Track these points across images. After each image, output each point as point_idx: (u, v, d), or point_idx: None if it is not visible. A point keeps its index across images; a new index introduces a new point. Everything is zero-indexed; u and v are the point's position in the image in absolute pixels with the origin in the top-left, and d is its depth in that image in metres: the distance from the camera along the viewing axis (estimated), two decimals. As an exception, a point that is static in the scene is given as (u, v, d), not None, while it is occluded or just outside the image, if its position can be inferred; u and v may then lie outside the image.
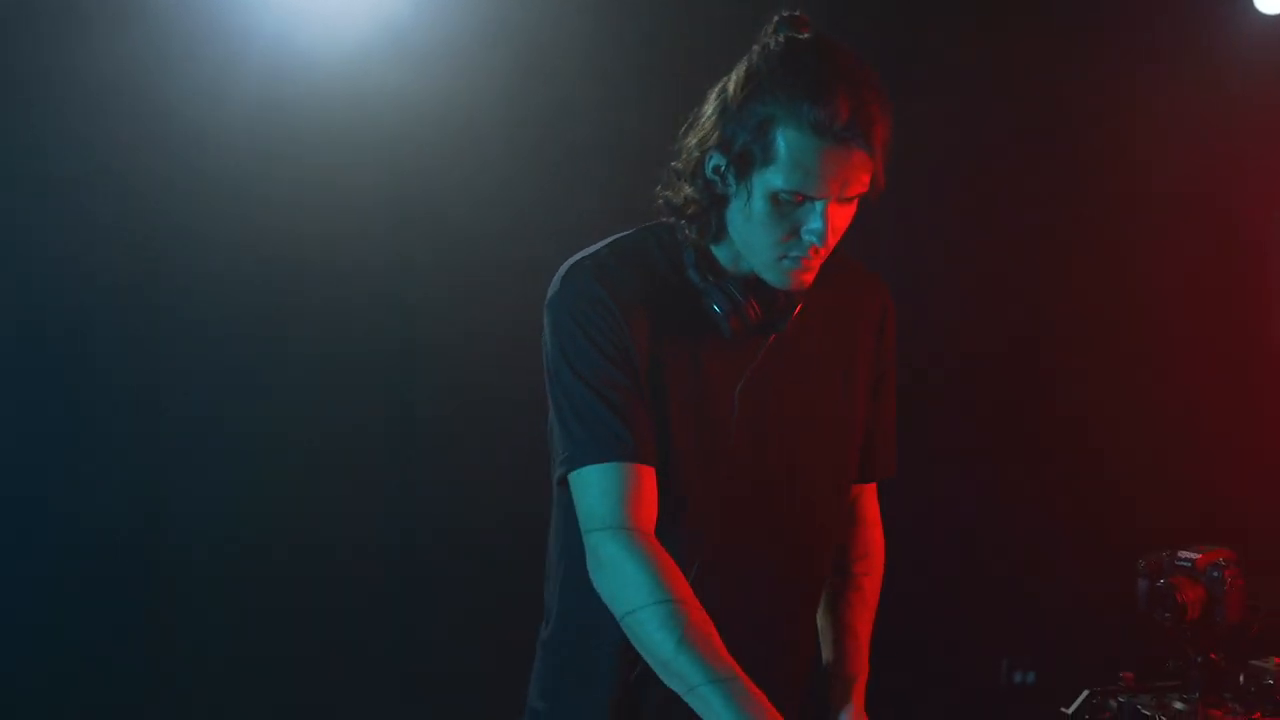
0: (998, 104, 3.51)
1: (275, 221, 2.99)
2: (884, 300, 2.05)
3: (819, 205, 1.76)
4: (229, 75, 2.95)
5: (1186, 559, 2.24)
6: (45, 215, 2.87)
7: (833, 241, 1.80)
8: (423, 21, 3.07)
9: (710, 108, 1.81)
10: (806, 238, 1.77)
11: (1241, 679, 2.21)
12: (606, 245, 1.90)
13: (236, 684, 3.03)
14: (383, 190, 3.10)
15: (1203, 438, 3.55)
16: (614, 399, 1.79)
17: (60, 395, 2.91)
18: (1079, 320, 3.61)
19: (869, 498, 2.12)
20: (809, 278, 1.84)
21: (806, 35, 1.78)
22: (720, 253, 1.88)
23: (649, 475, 1.80)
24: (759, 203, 1.77)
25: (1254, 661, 2.21)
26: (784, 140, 1.72)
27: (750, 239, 1.81)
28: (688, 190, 1.84)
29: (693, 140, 1.83)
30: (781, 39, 1.77)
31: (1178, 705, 2.20)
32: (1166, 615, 2.21)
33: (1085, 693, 2.26)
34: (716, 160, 1.79)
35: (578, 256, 1.89)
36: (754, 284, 1.86)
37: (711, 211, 1.84)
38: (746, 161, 1.76)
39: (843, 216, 1.80)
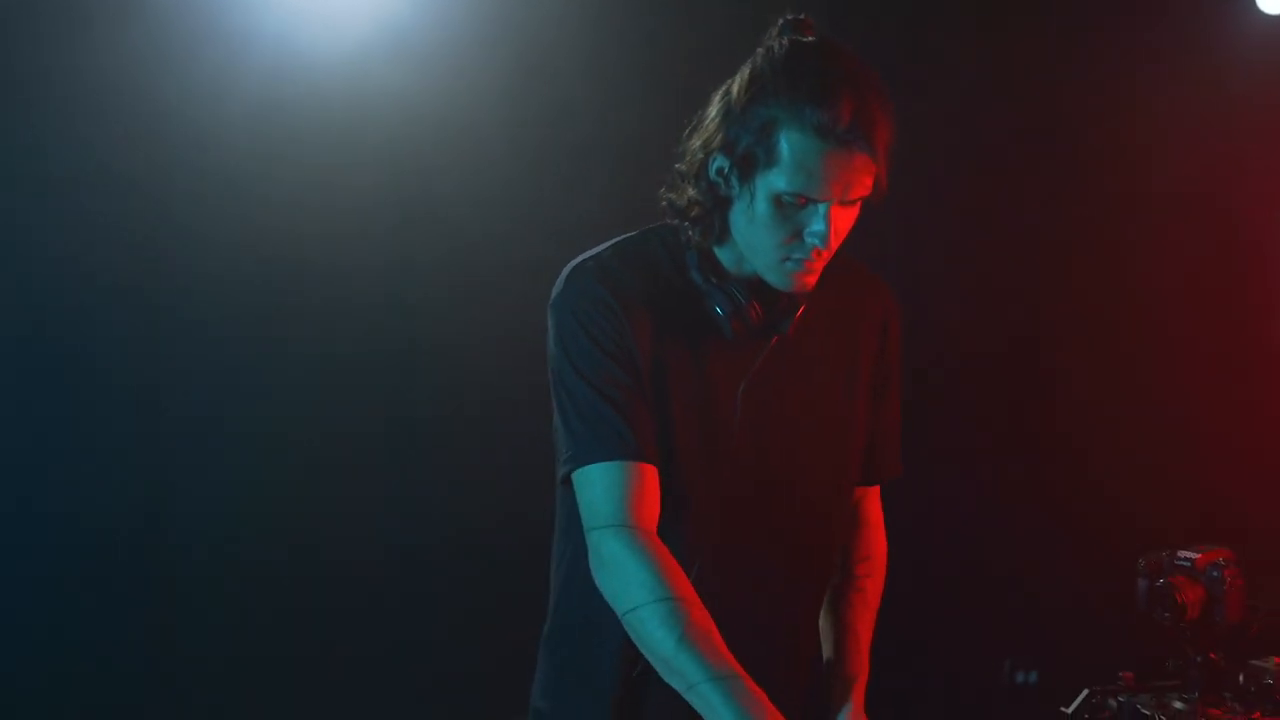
0: (998, 104, 3.50)
1: (275, 221, 2.99)
2: (887, 303, 2.05)
3: (822, 208, 1.76)
4: (229, 75, 2.94)
5: (1186, 559, 2.24)
6: (45, 215, 2.86)
7: (835, 244, 1.80)
8: (423, 22, 3.07)
9: (714, 110, 1.82)
10: (809, 240, 1.78)
11: (1241, 679, 2.21)
12: (610, 246, 1.91)
13: (236, 684, 3.02)
14: (383, 190, 3.09)
15: (1202, 438, 3.55)
16: (617, 398, 1.80)
17: (60, 395, 2.91)
18: (1079, 320, 3.61)
19: (872, 500, 2.13)
20: (811, 280, 1.84)
21: (811, 38, 1.78)
22: (723, 254, 1.88)
23: (651, 474, 1.80)
24: (762, 205, 1.77)
25: (1253, 661, 2.21)
26: (787, 143, 1.73)
27: (753, 241, 1.82)
28: (691, 192, 1.84)
29: (696, 142, 1.83)
30: (786, 42, 1.77)
31: (1177, 705, 2.20)
32: (1166, 615, 2.21)
33: (1085, 692, 2.26)
34: (720, 162, 1.79)
35: (581, 257, 1.89)
36: (757, 286, 1.86)
37: (714, 213, 1.84)
38: (750, 164, 1.76)
39: (845, 219, 1.81)
